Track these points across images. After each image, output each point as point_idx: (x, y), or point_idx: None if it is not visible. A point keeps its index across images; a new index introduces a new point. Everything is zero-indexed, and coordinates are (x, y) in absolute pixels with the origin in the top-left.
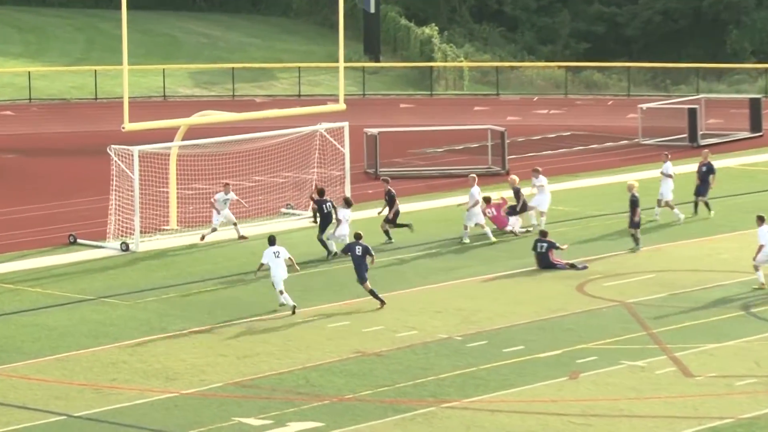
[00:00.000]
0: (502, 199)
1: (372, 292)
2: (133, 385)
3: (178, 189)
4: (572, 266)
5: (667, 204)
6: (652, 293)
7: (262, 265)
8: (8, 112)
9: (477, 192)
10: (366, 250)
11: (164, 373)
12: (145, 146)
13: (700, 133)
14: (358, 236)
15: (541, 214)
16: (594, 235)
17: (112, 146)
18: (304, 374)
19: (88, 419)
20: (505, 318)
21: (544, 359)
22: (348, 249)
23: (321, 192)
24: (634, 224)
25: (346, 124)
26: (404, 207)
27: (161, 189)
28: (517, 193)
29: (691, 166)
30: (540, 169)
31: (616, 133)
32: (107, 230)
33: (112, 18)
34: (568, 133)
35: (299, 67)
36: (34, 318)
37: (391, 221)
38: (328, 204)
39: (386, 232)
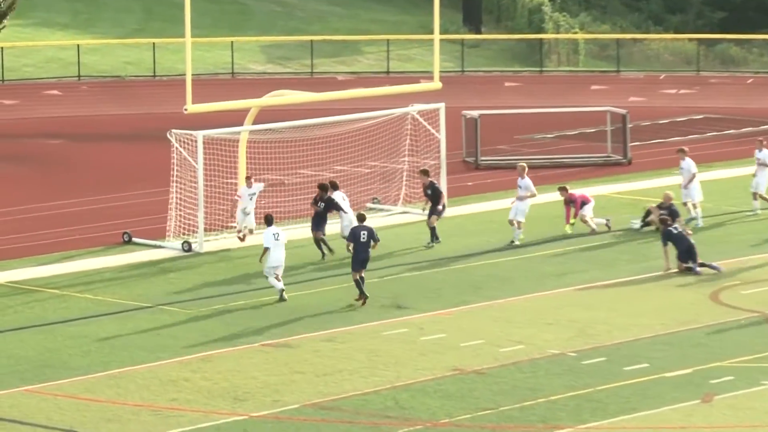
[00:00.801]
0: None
1: (358, 282)
2: (197, 406)
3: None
4: (705, 265)
5: (761, 196)
6: None
7: (267, 249)
8: (54, 92)
9: (530, 184)
10: (371, 235)
11: (232, 393)
12: (210, 131)
13: None
14: (362, 218)
15: (695, 206)
16: (731, 235)
17: (173, 131)
18: (392, 395)
19: None
20: (626, 331)
21: (672, 379)
22: (353, 235)
23: (325, 187)
24: None
25: (441, 106)
26: (506, 201)
27: (229, 180)
28: (671, 212)
29: None
30: (686, 149)
31: (757, 116)
32: (167, 228)
33: None
34: (701, 116)
35: (388, 40)
36: (83, 328)
37: (440, 213)
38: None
39: (432, 230)
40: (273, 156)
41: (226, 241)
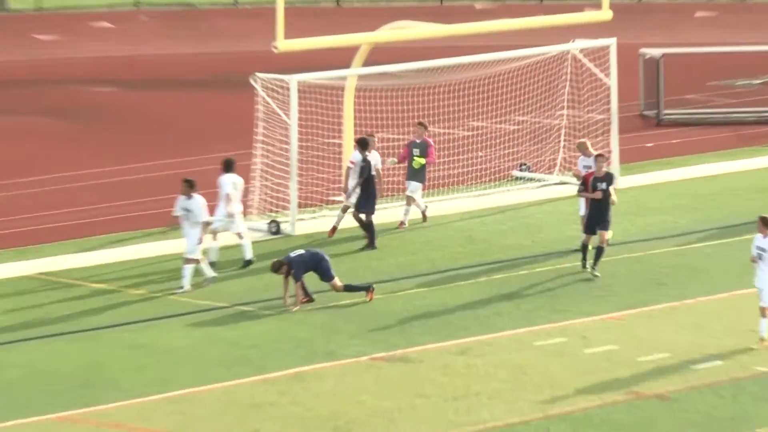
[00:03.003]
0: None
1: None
2: None
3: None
4: None
5: None
6: None
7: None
8: (104, 24)
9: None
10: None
11: (332, 422)
12: (307, 75)
13: None
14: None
15: None
16: None
17: (258, 75)
18: (545, 426)
19: None
20: None
21: None
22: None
23: (363, 142)
24: None
25: (612, 42)
26: (699, 168)
27: (330, 140)
28: None
29: None
30: None
31: None
32: (248, 202)
33: None
34: None
35: None
36: (138, 335)
37: None
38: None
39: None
40: (389, 109)
41: (327, 221)
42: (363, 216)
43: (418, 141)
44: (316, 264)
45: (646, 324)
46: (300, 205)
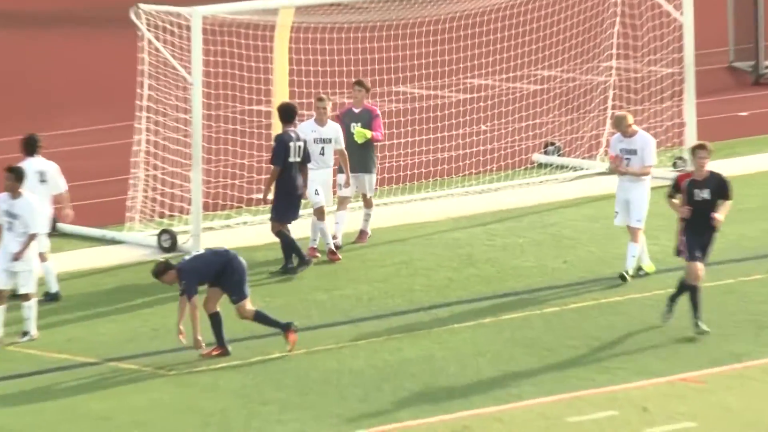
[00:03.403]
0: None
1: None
2: None
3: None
4: None
5: None
6: None
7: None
8: None
9: (649, 148)
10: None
11: None
12: (217, 7)
13: None
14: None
15: None
16: None
17: (142, 8)
18: None
19: None
20: None
21: None
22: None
23: (284, 112)
24: None
25: None
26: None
27: (254, 106)
28: None
29: None
30: None
31: None
32: (127, 203)
33: None
34: None
35: None
36: None
37: None
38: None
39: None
40: (346, 59)
41: (246, 230)
42: (273, 224)
43: (356, 110)
44: (222, 267)
45: (740, 390)
46: (207, 207)
